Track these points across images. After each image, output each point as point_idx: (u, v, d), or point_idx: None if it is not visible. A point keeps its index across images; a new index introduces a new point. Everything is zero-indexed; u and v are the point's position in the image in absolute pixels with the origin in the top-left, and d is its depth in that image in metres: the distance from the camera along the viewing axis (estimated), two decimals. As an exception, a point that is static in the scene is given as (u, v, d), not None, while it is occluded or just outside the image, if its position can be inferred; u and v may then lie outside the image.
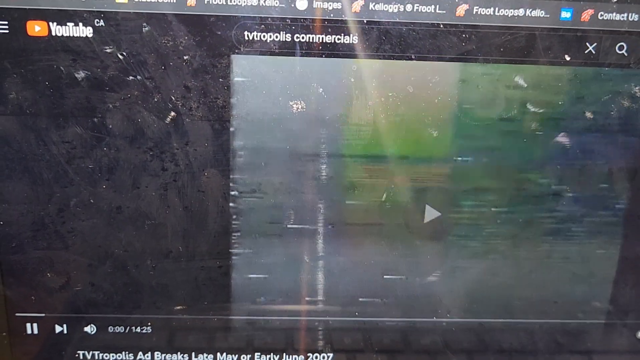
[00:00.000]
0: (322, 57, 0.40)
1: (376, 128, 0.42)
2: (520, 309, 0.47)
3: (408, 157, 0.42)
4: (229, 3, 0.38)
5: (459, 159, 0.43)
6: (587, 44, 0.41)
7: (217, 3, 0.38)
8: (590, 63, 0.41)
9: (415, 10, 0.39)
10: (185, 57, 0.40)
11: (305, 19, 0.39)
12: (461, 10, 0.39)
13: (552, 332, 0.48)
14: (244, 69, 0.40)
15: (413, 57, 0.40)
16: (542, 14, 0.40)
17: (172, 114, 0.40)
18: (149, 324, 0.46)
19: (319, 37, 0.40)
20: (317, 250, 0.44)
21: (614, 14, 0.40)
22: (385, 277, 0.46)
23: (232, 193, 0.42)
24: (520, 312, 0.48)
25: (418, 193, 0.44)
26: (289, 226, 0.43)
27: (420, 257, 0.45)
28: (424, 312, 0.47)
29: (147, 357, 0.46)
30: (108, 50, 0.39)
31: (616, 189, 0.44)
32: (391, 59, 0.40)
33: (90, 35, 0.39)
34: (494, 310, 0.47)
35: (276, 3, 0.39)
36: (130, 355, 0.46)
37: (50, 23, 0.38)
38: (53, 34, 0.39)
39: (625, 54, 0.41)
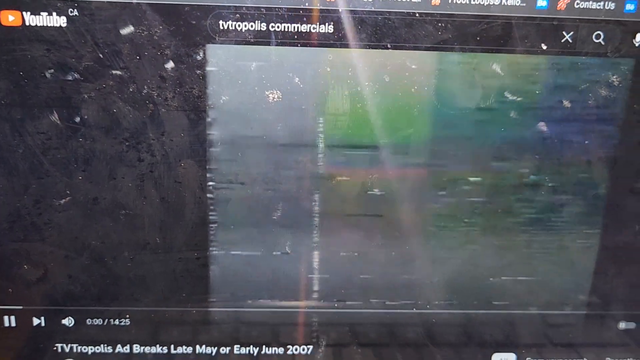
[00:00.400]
0: (297, 46, 0.40)
1: (353, 117, 0.41)
2: (501, 300, 0.47)
3: (386, 146, 0.42)
4: (203, -8, 0.38)
5: (437, 148, 0.42)
6: (564, 32, 0.41)
7: (191, -8, 0.38)
8: (567, 52, 0.41)
9: (390, -2, 0.39)
10: (160, 47, 0.39)
11: (281, 7, 0.39)
12: (437, -2, 0.39)
13: (533, 324, 0.48)
14: (220, 59, 0.40)
15: (389, 46, 0.40)
16: (518, 2, 0.39)
17: (148, 104, 0.40)
18: (127, 316, 0.45)
19: (294, 26, 0.40)
20: (297, 241, 0.44)
21: (591, 2, 0.40)
22: (364, 272, 0.45)
23: (209, 184, 0.42)
24: (501, 303, 0.47)
25: (397, 183, 0.43)
26: (267, 217, 0.43)
27: (401, 248, 0.45)
28: (405, 304, 0.47)
29: (126, 349, 0.46)
30: (82, 40, 0.39)
31: (595, 179, 0.44)
32: (367, 48, 0.40)
33: (64, 25, 0.39)
34: (474, 301, 0.47)
35: (251, -8, 0.38)
36: (109, 348, 0.46)
37: (24, 13, 0.38)
38: (27, 23, 0.38)
39: (602, 43, 0.41)
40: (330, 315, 0.46)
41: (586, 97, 0.42)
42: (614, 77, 0.42)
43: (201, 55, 0.40)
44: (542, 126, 0.42)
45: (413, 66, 0.41)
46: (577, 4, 0.40)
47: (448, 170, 0.44)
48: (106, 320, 0.45)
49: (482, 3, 0.39)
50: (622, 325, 0.48)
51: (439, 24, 0.40)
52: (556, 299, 0.48)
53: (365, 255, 0.45)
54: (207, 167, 0.42)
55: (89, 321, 0.45)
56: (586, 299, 0.48)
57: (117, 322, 0.46)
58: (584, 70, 0.41)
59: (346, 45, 0.40)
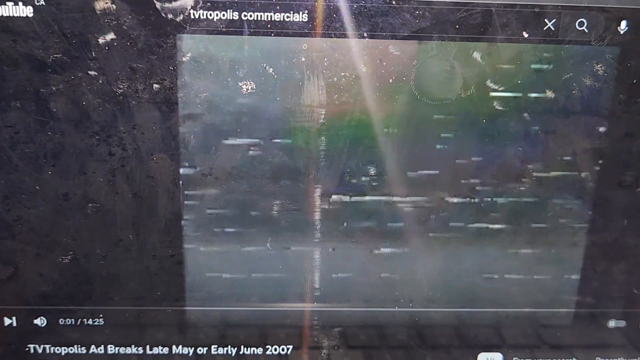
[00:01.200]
0: (271, 35, 0.39)
1: (329, 109, 0.40)
2: (487, 298, 0.46)
3: (363, 139, 0.41)
4: (172, -20, 0.37)
5: (418, 141, 0.41)
6: (546, 20, 0.39)
7: (161, -20, 0.37)
8: (549, 40, 0.40)
9: (366, -14, 0.38)
10: (129, 37, 0.38)
11: (253, -4, 0.38)
12: (414, -15, 0.38)
13: (520, 323, 0.47)
14: (191, 49, 0.39)
15: (365, 35, 0.39)
16: (497, -12, 0.38)
17: (119, 96, 0.39)
18: (101, 315, 0.44)
19: (267, 15, 0.38)
20: (272, 237, 0.43)
21: (573, -12, 0.39)
22: (336, 271, 0.44)
23: (182, 178, 0.41)
24: (487, 301, 0.46)
25: (376, 178, 0.42)
26: (242, 212, 0.42)
27: (377, 244, 0.44)
28: (385, 302, 0.45)
29: (100, 350, 0.45)
30: (49, 31, 0.38)
31: (581, 172, 0.43)
32: (343, 38, 0.39)
33: (30, 15, 0.38)
34: (460, 299, 0.46)
35: (221, -21, 0.37)
36: (83, 348, 0.45)
37: (-11, 3, 0.37)
38: (-8, 13, 0.37)
39: (586, 31, 0.40)
40: (312, 314, 0.45)
41: (570, 87, 0.41)
42: (599, 66, 0.40)
43: (171, 45, 0.38)
44: (525, 117, 0.41)
45: (390, 56, 0.39)
46: (560, -10, 0.39)
47: (430, 165, 0.42)
48: (79, 320, 0.44)
49: (460, -10, 0.38)
50: (612, 323, 0.47)
51: (417, 12, 0.39)
52: (544, 297, 0.46)
53: (345, 251, 0.43)
54: (180, 161, 0.41)
55: (61, 321, 0.44)
56: (574, 297, 0.46)
57: (90, 322, 0.44)
58: (568, 59, 0.40)
59: (321, 35, 0.39)
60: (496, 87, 0.40)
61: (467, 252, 0.44)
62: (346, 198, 0.42)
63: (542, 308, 0.46)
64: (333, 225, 0.43)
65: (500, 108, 0.41)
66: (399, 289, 0.45)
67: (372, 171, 0.42)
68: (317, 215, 0.43)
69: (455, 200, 0.43)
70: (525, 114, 0.41)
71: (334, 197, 0.42)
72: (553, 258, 0.45)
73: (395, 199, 0.42)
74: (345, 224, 0.43)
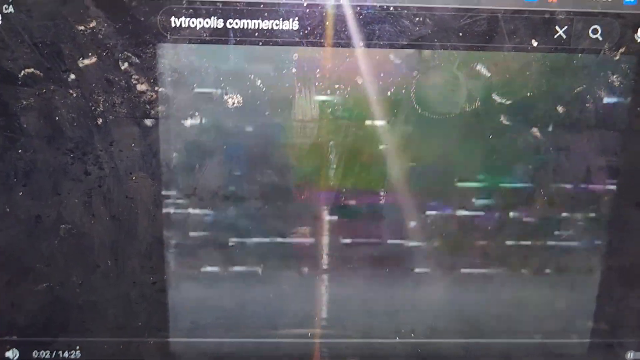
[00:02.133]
0: (259, 45, 0.35)
1: (322, 124, 0.37)
2: (498, 327, 0.42)
3: (358, 159, 0.38)
4: (151, -15, 0.34)
5: (414, 161, 0.38)
6: (557, 27, 0.36)
7: (139, -15, 0.34)
8: (560, 49, 0.36)
9: (361, -9, 0.35)
10: (105, 47, 0.35)
11: (239, 2, 0.35)
12: (413, -10, 0.35)
13: (533, 354, 0.43)
14: (172, 60, 0.36)
15: (361, 44, 0.36)
16: (504, -7, 0.35)
17: (95, 111, 0.36)
18: (78, 347, 0.41)
19: (254, 23, 0.35)
20: (259, 260, 0.39)
21: (586, -7, 0.35)
22: (339, 296, 0.41)
23: (164, 199, 0.38)
24: (498, 331, 0.42)
25: (370, 206, 0.39)
26: (228, 234, 0.39)
27: (380, 268, 0.40)
28: (387, 332, 0.42)
29: (77, 385, 0.41)
30: (19, 40, 0.35)
31: (597, 191, 0.39)
32: (336, 47, 0.36)
33: (-1, 23, 0.35)
34: (469, 329, 0.42)
35: (205, -16, 0.34)
36: (58, 383, 0.41)
37: (-45, 10, 0.34)
38: (-43, 22, 0.34)
39: (600, 39, 0.36)
40: (302, 345, 0.41)
41: (583, 100, 0.37)
42: (614, 76, 0.37)
43: (151, 55, 0.35)
44: (535, 133, 0.38)
45: (388, 67, 0.36)
46: (571, -5, 0.36)
47: (429, 183, 0.39)
48: (55, 352, 0.41)
49: (464, -6, 0.35)
50: (631, 355, 0.43)
51: (417, 19, 0.36)
52: (557, 326, 0.43)
53: (339, 275, 0.40)
54: (162, 180, 0.37)
55: (35, 353, 0.41)
56: (590, 326, 0.43)
57: (66, 354, 0.41)
58: (580, 69, 0.37)
59: (313, 44, 0.36)
60: (502, 99, 0.37)
61: (475, 277, 0.41)
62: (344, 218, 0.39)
63: (555, 338, 0.43)
64: (331, 248, 0.40)
65: (507, 123, 0.37)
66: (401, 319, 0.42)
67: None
68: (312, 238, 0.39)
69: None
70: (534, 129, 0.38)
71: (329, 217, 0.39)
72: (567, 283, 0.41)
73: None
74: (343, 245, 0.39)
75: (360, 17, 0.36)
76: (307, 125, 0.37)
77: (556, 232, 0.40)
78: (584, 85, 0.38)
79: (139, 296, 0.40)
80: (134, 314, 0.40)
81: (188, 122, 0.37)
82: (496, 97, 0.37)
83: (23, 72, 0.36)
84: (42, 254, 0.39)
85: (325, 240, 0.39)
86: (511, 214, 0.40)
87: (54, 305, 0.40)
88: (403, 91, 0.37)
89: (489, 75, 0.37)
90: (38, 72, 0.36)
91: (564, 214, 0.40)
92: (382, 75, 0.37)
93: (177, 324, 0.41)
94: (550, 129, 0.38)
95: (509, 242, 0.40)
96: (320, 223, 0.39)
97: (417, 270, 0.40)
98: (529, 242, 0.40)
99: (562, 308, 0.42)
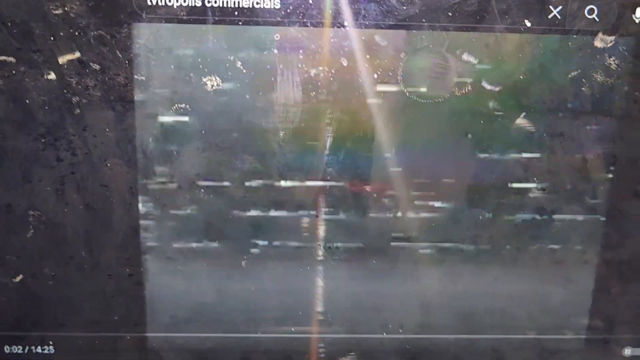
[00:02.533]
0: (239, 24, 0.34)
1: (305, 108, 0.35)
2: (492, 323, 0.40)
3: (342, 144, 0.36)
4: (125, -40, 0.32)
5: (401, 146, 0.36)
6: (551, 7, 0.34)
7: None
8: (555, 30, 0.35)
9: (346, -33, 0.33)
10: (78, 26, 0.33)
11: (218, -21, 0.33)
12: (400, -33, 0.33)
13: (528, 350, 0.41)
14: (148, 40, 0.34)
15: (345, 24, 0.34)
16: (495, -30, 0.34)
17: (67, 94, 0.34)
18: (51, 342, 0.39)
19: (234, 1, 0.34)
20: (241, 252, 0.37)
21: (582, -29, 0.34)
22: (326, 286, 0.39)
23: (141, 187, 0.36)
24: (492, 327, 0.41)
25: (356, 196, 0.37)
26: (208, 225, 0.37)
27: (368, 260, 0.39)
28: (374, 327, 0.40)
29: (51, 382, 0.39)
30: (-13, 19, 0.33)
31: (593, 180, 0.38)
32: (320, 27, 0.34)
33: (-35, 1, 0.33)
34: (464, 325, 0.41)
35: (181, -40, 0.33)
36: (31, 380, 0.39)
37: None
38: None
39: (596, 19, 0.35)
40: (285, 341, 0.40)
41: (579, 84, 0.36)
42: (611, 59, 0.35)
43: (126, 35, 0.34)
44: (526, 118, 0.36)
45: (375, 48, 0.34)
46: (566, -27, 0.34)
47: (416, 173, 0.37)
48: (27, 347, 0.39)
49: (453, -28, 0.33)
50: (628, 351, 0.41)
51: (404, -2, 0.34)
52: (553, 322, 0.41)
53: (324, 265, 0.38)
54: (138, 167, 0.36)
55: (7, 348, 0.39)
56: (586, 322, 0.41)
57: (39, 349, 0.39)
58: (575, 52, 0.35)
59: (295, 24, 0.34)
60: (490, 86, 0.35)
61: (469, 271, 0.39)
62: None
63: (551, 334, 0.41)
64: (318, 240, 0.38)
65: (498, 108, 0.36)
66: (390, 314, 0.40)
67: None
68: (300, 230, 0.37)
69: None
70: (524, 114, 0.36)
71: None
72: (562, 278, 0.40)
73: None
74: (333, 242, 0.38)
75: (345, -5, 0.34)
76: (290, 109, 0.35)
77: (551, 223, 0.38)
78: (579, 69, 0.35)
79: (115, 289, 0.38)
80: (109, 307, 0.38)
81: (165, 106, 0.35)
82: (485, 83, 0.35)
83: (-9, 52, 0.34)
84: (11, 245, 0.37)
85: (320, 233, 0.38)
86: (503, 200, 0.38)
87: (25, 298, 0.38)
88: (389, 73, 0.35)
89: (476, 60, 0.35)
90: (5, 52, 0.34)
91: (560, 203, 0.38)
92: (367, 57, 0.35)
93: (154, 318, 0.39)
94: (544, 114, 0.36)
95: (500, 232, 0.38)
96: (305, 211, 0.37)
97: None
98: (524, 234, 0.38)
99: (557, 303, 0.40)
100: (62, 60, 0.34)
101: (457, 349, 0.41)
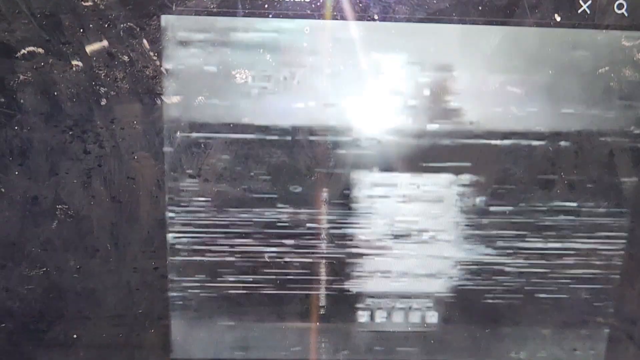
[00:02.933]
0: (268, 17, 0.34)
1: (335, 101, 0.35)
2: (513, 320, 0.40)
3: (373, 137, 0.36)
4: (156, -48, 0.32)
5: (430, 134, 0.36)
6: (581, 2, 0.34)
7: (143, -48, 0.32)
8: (584, 24, 0.35)
9: (377, -39, 0.33)
10: (107, 18, 0.33)
11: (248, -28, 0.33)
12: (431, -39, 0.33)
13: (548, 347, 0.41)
14: (177, 32, 0.34)
15: (376, 17, 0.34)
16: (526, -36, 0.33)
17: (95, 86, 0.34)
18: (75, 336, 0.39)
19: (264, -6, 0.33)
20: (264, 245, 0.37)
21: (612, -35, 0.34)
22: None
23: (168, 180, 0.36)
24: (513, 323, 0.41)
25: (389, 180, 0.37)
26: (234, 217, 0.37)
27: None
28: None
29: (74, 375, 0.39)
30: (16, 10, 0.33)
31: (620, 176, 0.38)
32: (350, 20, 0.34)
33: (-6, -8, 0.33)
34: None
35: (212, -48, 0.33)
36: (54, 373, 0.39)
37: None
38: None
39: (626, 14, 0.35)
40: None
41: (608, 79, 0.36)
42: (640, 54, 0.35)
43: (155, 27, 0.34)
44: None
45: (405, 41, 0.34)
46: (596, -33, 0.34)
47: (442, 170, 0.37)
48: (50, 340, 0.39)
49: (484, -34, 0.33)
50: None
51: (434, -9, 0.34)
52: (574, 319, 0.41)
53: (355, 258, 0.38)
54: (165, 160, 0.35)
55: (31, 341, 0.39)
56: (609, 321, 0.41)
57: (63, 342, 0.39)
58: (605, 46, 0.35)
59: (325, 16, 0.34)
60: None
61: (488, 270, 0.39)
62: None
63: (574, 332, 0.41)
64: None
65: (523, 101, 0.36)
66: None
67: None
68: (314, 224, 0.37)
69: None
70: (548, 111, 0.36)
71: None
72: (587, 277, 0.40)
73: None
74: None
75: (375, -11, 0.34)
76: (318, 102, 0.35)
77: (577, 222, 0.38)
78: (609, 64, 0.35)
79: (140, 283, 0.38)
80: (134, 301, 0.38)
81: (193, 99, 0.35)
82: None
83: (19, 43, 0.34)
84: (37, 238, 0.37)
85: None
86: (528, 198, 0.38)
87: (50, 291, 0.38)
88: (420, 68, 0.35)
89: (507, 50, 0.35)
90: (35, 43, 0.34)
91: (586, 200, 0.38)
92: (397, 49, 0.35)
93: (179, 312, 0.39)
94: (571, 109, 0.36)
95: (524, 232, 0.38)
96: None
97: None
98: (550, 232, 0.38)
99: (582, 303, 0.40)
100: (91, 52, 0.34)
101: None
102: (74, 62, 0.34)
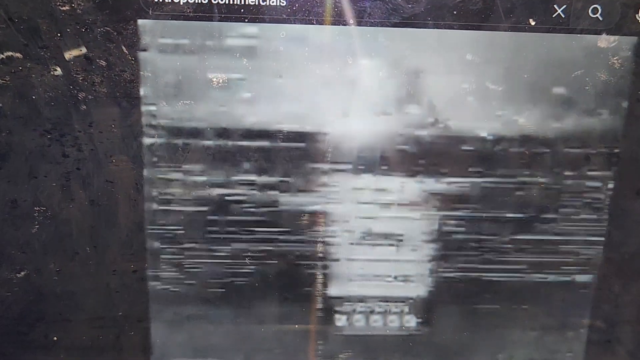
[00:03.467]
0: (245, 22, 0.34)
1: (313, 106, 0.35)
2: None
3: (350, 139, 0.36)
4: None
5: (410, 142, 0.36)
6: (555, 6, 0.35)
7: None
8: (559, 29, 0.35)
9: (351, -34, 0.33)
10: (84, 23, 0.33)
11: (224, -24, 0.33)
12: (406, -34, 0.34)
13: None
14: (154, 37, 0.34)
15: (351, 22, 0.34)
16: (500, -31, 0.34)
17: (73, 90, 0.34)
18: (55, 338, 0.39)
19: (240, -1, 0.34)
20: (245, 247, 0.38)
21: (586, -30, 0.34)
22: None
23: (145, 183, 0.36)
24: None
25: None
26: (213, 221, 0.37)
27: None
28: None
29: (54, 377, 0.39)
30: (-6, 15, 0.33)
31: (596, 179, 0.38)
32: (324, 24, 0.34)
33: (-28, -3, 0.33)
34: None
35: (188, -43, 0.33)
36: (35, 375, 0.39)
37: None
38: None
39: (600, 19, 0.35)
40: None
41: (582, 83, 0.36)
42: (614, 58, 0.36)
43: (132, 32, 0.34)
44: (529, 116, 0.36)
45: (380, 46, 0.35)
46: (570, -28, 0.34)
47: (423, 168, 0.37)
48: (31, 342, 0.39)
49: (458, -29, 0.33)
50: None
51: (409, -4, 0.34)
52: (554, 322, 0.41)
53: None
54: (143, 163, 0.36)
55: (9, 343, 0.39)
56: (588, 323, 0.41)
57: (43, 344, 0.39)
58: (579, 51, 0.35)
59: (301, 21, 0.34)
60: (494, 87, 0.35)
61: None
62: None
63: (553, 335, 0.41)
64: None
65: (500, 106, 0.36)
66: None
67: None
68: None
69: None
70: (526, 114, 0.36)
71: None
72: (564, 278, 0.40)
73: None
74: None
75: (351, -7, 0.34)
76: (295, 106, 0.35)
77: (554, 222, 0.39)
78: (583, 68, 0.36)
79: (119, 285, 0.38)
80: (113, 303, 0.39)
81: (170, 102, 0.35)
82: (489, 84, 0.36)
83: (-2, 48, 0.34)
84: (17, 241, 0.37)
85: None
86: (506, 199, 0.38)
87: (30, 294, 0.39)
88: (395, 71, 0.35)
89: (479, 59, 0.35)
90: (14, 49, 0.34)
91: (564, 202, 0.38)
92: (372, 54, 0.35)
93: (158, 314, 0.39)
94: (548, 113, 0.36)
95: (501, 228, 0.39)
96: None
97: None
98: (526, 232, 0.39)
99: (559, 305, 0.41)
100: (67, 55, 0.34)
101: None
102: (52, 66, 0.34)
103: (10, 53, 0.34)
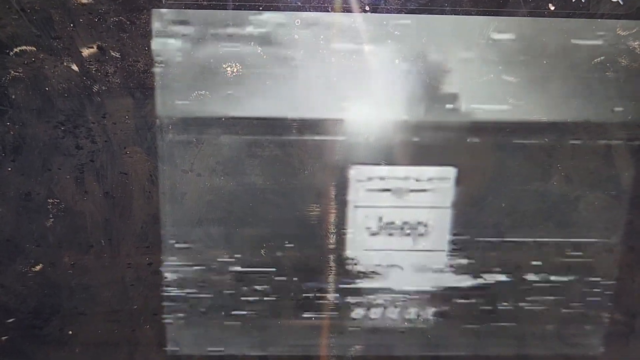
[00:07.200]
0: (259, 9, 0.33)
1: (327, 92, 0.35)
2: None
3: (367, 125, 0.36)
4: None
5: (423, 129, 0.36)
6: (575, -10, 0.34)
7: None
8: (579, 14, 0.34)
9: (367, -49, 0.33)
10: (97, 12, 0.33)
11: (238, -36, 0.33)
12: (422, -50, 0.33)
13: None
14: (168, 26, 0.34)
15: (367, 8, 0.34)
16: (519, -47, 0.33)
17: (86, 81, 0.34)
18: (70, 332, 0.38)
19: (254, -14, 0.33)
20: (260, 240, 0.37)
21: (606, -47, 0.33)
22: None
23: (160, 175, 0.36)
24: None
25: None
26: (230, 214, 0.37)
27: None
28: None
29: (70, 371, 0.39)
30: (6, 6, 0.33)
31: (617, 168, 0.37)
32: (341, 12, 0.34)
33: (-16, -12, 0.33)
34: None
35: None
36: (50, 369, 0.39)
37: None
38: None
39: (621, 2, 0.34)
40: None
41: (603, 68, 0.35)
42: (636, 43, 0.35)
43: (145, 21, 0.33)
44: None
45: (396, 32, 0.34)
46: (590, -45, 0.33)
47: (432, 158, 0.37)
48: (46, 336, 0.39)
49: (476, -45, 0.33)
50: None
51: (426, -19, 0.33)
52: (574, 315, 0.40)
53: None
54: (157, 155, 0.35)
55: (25, 337, 0.39)
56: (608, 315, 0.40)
57: (59, 338, 0.39)
58: (600, 35, 0.35)
59: (316, 8, 0.34)
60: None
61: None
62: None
63: (574, 328, 0.40)
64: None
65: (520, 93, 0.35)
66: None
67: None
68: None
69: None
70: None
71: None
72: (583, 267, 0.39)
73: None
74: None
75: (367, -20, 0.33)
76: (310, 93, 0.35)
77: (573, 213, 0.38)
78: (604, 53, 0.35)
79: (134, 278, 0.38)
80: (128, 296, 0.38)
81: (184, 92, 0.34)
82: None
83: (10, 38, 0.33)
84: (31, 234, 0.37)
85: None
86: (524, 189, 0.37)
87: (45, 287, 0.38)
88: (411, 59, 0.35)
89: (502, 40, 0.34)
90: (26, 39, 0.33)
91: (583, 191, 0.37)
92: (389, 41, 0.34)
93: (173, 307, 0.38)
94: (568, 99, 0.36)
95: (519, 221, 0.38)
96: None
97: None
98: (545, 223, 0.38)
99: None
100: (80, 45, 0.34)
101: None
102: (65, 56, 0.34)
103: (22, 44, 0.34)
